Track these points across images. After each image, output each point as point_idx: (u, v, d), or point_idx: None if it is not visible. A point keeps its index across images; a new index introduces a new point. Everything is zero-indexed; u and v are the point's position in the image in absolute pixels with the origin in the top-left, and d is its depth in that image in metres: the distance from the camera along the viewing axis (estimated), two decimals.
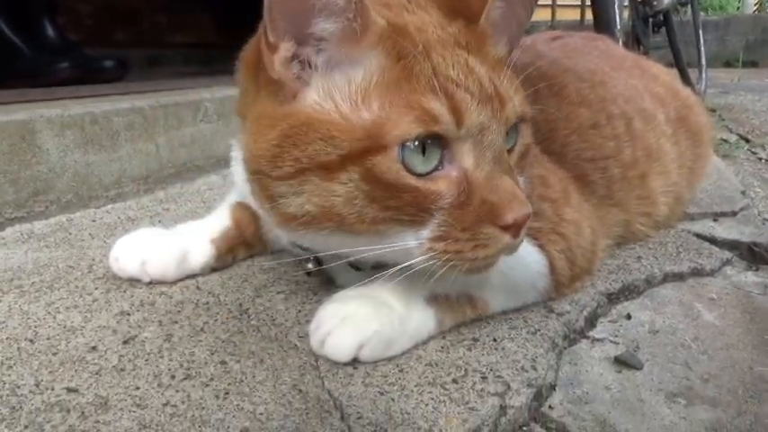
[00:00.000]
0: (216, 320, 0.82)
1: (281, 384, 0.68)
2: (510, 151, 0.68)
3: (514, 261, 0.82)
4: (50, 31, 1.88)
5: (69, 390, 0.65)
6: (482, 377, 0.71)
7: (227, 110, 1.60)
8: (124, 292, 0.88)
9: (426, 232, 0.63)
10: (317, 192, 0.61)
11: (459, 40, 0.64)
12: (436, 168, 0.61)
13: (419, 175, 0.60)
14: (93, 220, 1.18)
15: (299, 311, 0.84)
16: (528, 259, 0.84)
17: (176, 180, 1.45)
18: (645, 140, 1.12)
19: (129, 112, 1.33)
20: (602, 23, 2.52)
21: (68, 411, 0.62)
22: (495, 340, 0.79)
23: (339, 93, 0.60)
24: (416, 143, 0.59)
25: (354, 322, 0.71)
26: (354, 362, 0.72)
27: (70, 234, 1.10)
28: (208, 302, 0.86)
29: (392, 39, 0.60)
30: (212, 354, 0.74)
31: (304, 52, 0.61)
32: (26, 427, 0.60)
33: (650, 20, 3.51)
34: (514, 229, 0.62)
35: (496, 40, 0.71)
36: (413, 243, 0.63)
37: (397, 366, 0.72)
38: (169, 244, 0.91)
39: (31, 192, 1.14)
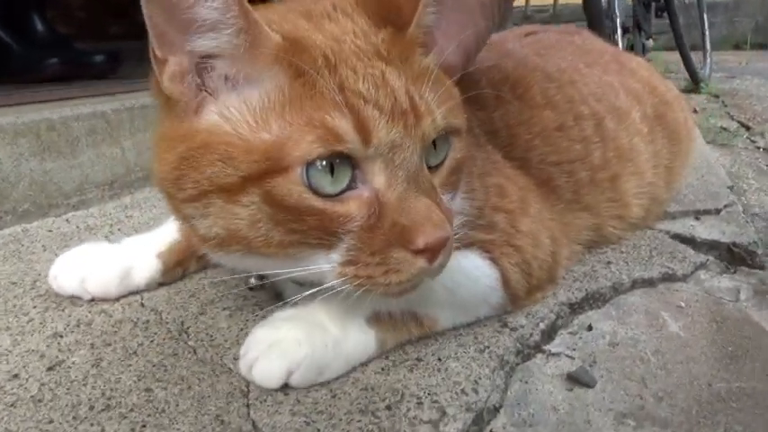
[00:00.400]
0: (152, 341, 0.79)
1: (204, 414, 0.65)
2: (438, 167, 0.64)
3: (462, 276, 0.79)
4: (40, 26, 1.83)
5: None
6: (418, 402, 0.67)
7: None
8: (63, 311, 0.85)
9: (336, 256, 0.59)
10: (221, 214, 0.58)
11: (381, 50, 0.60)
12: (348, 188, 0.57)
13: (327, 197, 0.56)
14: (50, 230, 1.16)
15: (241, 330, 0.81)
16: (477, 273, 0.80)
17: (144, 184, 1.42)
18: (617, 141, 1.07)
19: (91, 116, 1.30)
20: (593, 11, 2.44)
21: None
22: (439, 360, 0.76)
23: (237, 112, 0.56)
24: (324, 163, 0.55)
25: (283, 347, 0.68)
26: (286, 387, 0.69)
27: (22, 246, 1.08)
28: (148, 321, 0.83)
29: (290, 55, 0.56)
30: (139, 380, 0.71)
31: (195, 68, 0.57)
32: None
33: (652, 4, 3.42)
34: (429, 253, 0.58)
35: (437, 49, 0.67)
36: (325, 267, 0.60)
37: (331, 392, 0.69)
38: (111, 259, 0.88)
39: None
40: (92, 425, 0.63)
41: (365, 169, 0.57)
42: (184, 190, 0.58)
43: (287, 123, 0.54)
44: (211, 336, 0.80)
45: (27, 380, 0.70)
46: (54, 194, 1.22)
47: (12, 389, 0.68)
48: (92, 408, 0.66)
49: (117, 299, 0.88)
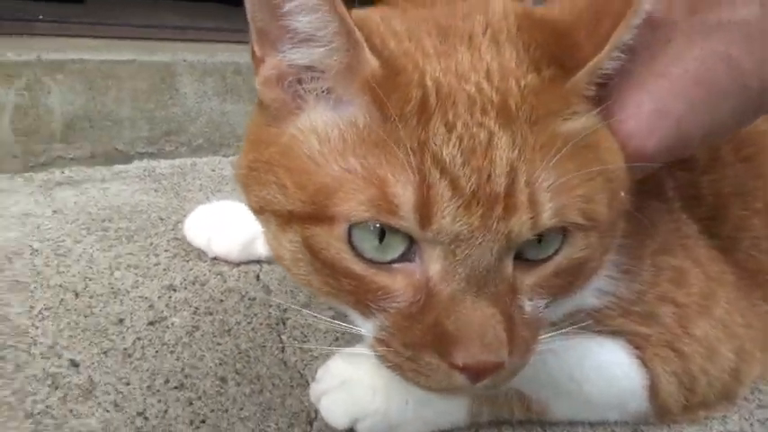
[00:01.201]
0: (249, 323, 0.77)
1: (263, 429, 0.61)
2: (539, 262, 0.48)
3: (595, 370, 0.64)
4: None
5: (72, 363, 0.66)
6: None
7: None
8: (187, 262, 0.87)
9: (371, 327, 0.48)
10: (273, 237, 0.50)
11: (510, 101, 0.43)
12: (401, 260, 0.45)
13: (371, 262, 0.45)
14: (213, 170, 1.21)
15: (336, 340, 0.76)
16: (616, 372, 0.65)
17: None
18: None
19: None
20: None
21: (55, 389, 0.62)
22: None
23: (316, 136, 0.46)
24: (374, 226, 0.44)
25: (355, 392, 0.60)
26: (352, 431, 0.62)
27: (184, 181, 1.14)
28: (254, 298, 0.82)
29: (380, 87, 0.44)
30: (220, 365, 0.69)
31: (289, 77, 0.48)
32: (14, 393, 0.61)
33: None
34: (470, 373, 0.44)
35: (625, 112, 0.49)
36: (363, 331, 0.50)
37: None
38: (240, 224, 0.88)
39: (163, 131, 1.19)
40: (159, 400, 0.63)
41: (423, 248, 0.45)
42: (249, 198, 0.51)
43: (348, 168, 0.44)
44: (305, 336, 0.76)
45: (128, 329, 0.72)
46: (227, 135, 1.27)
47: (112, 334, 0.71)
48: (167, 381, 0.65)
49: (238, 264, 0.88)
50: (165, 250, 0.90)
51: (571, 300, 0.56)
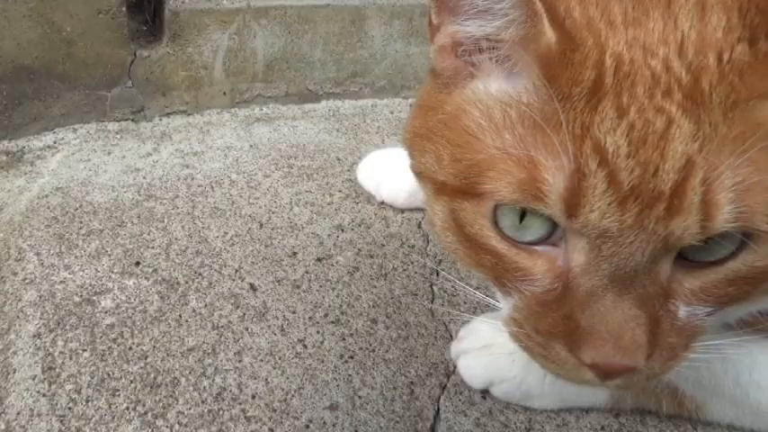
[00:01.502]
0: (405, 270, 0.81)
1: (402, 375, 0.66)
2: (708, 265, 0.42)
3: (767, 378, 0.57)
4: None
5: (252, 287, 0.76)
6: None
7: None
8: (356, 203, 0.94)
9: (507, 304, 0.47)
10: (427, 202, 0.51)
11: (703, 81, 0.37)
12: (545, 241, 0.43)
13: (513, 241, 0.44)
14: (392, 112, 1.25)
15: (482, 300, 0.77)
16: None
17: None
18: None
19: None
20: None
21: (236, 308, 0.73)
22: None
23: (482, 106, 0.44)
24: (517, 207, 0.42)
25: (494, 358, 0.62)
26: (487, 392, 0.64)
27: (364, 122, 1.19)
28: (413, 247, 0.86)
29: (556, 64, 0.40)
30: (373, 306, 0.75)
31: (463, 46, 0.46)
32: (206, 306, 0.73)
33: None
34: (599, 371, 0.41)
35: None
36: (502, 306, 0.49)
37: (529, 422, 0.62)
38: (406, 173, 0.90)
39: (350, 73, 1.24)
40: (318, 332, 0.71)
41: (569, 236, 0.42)
42: (412, 161, 0.52)
43: (503, 146, 0.42)
44: (454, 291, 0.78)
45: (299, 262, 0.81)
46: (409, 77, 1.29)
47: (286, 265, 0.80)
48: (326, 315, 0.73)
49: (402, 210, 0.92)
50: (339, 191, 0.97)
51: (749, 305, 0.49)
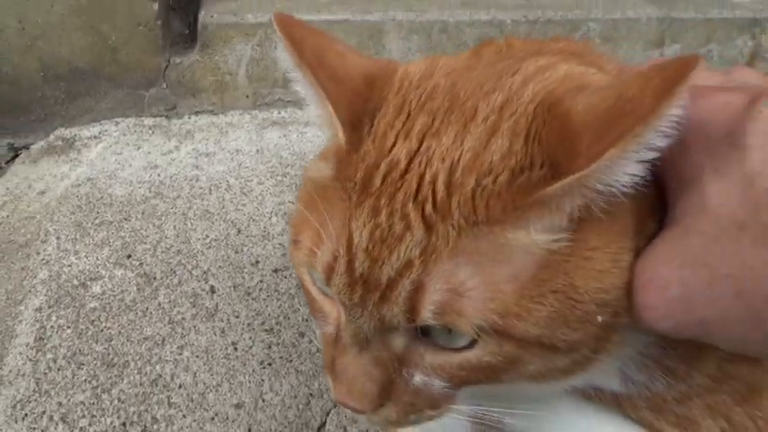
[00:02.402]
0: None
1: (305, 387, 0.78)
2: (449, 350, 0.47)
3: None
4: None
5: (211, 289, 0.90)
6: None
7: (616, 34, 1.37)
8: None
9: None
10: None
11: (453, 200, 0.43)
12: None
13: (319, 288, 0.54)
14: None
15: None
16: None
17: None
18: None
19: (487, 24, 1.30)
20: None
21: (193, 307, 0.88)
22: None
23: (307, 177, 0.55)
24: None
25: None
26: None
27: None
28: None
29: (342, 162, 0.48)
30: (305, 321, 0.86)
31: None
32: (170, 301, 0.88)
33: None
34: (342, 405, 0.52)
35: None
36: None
37: None
38: None
39: None
40: (250, 337, 0.84)
41: None
42: None
43: (312, 217, 0.51)
44: None
45: (258, 271, 0.94)
46: None
47: (246, 273, 0.93)
48: (263, 323, 0.86)
49: None
50: None
51: (575, 377, 0.55)
